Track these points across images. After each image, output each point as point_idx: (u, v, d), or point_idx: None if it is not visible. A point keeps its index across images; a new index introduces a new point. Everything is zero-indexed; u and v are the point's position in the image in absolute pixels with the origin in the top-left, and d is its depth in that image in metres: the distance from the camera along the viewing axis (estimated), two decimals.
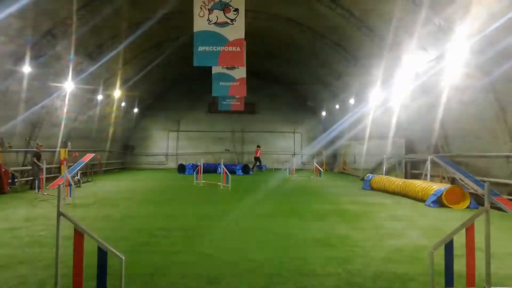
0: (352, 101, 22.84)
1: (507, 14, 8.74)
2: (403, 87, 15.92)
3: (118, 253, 3.71)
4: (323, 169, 23.73)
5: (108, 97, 21.82)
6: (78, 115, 19.84)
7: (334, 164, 29.83)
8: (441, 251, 3.84)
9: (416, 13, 12.05)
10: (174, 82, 30.53)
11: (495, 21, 9.22)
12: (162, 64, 22.45)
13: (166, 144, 31.84)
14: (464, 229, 3.88)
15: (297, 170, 26.33)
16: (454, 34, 11.26)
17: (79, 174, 16.26)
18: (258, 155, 28.05)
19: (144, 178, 21.58)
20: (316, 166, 22.71)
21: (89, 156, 17.41)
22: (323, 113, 30.33)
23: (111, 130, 25.18)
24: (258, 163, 28.10)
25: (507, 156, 11.33)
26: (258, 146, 28.95)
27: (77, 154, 18.45)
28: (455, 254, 3.86)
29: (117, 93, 21.98)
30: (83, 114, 20.33)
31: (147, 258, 5.64)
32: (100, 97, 20.55)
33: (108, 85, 20.90)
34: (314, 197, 13.28)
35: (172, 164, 30.70)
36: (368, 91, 19.52)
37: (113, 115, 24.27)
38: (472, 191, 11.80)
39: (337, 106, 26.53)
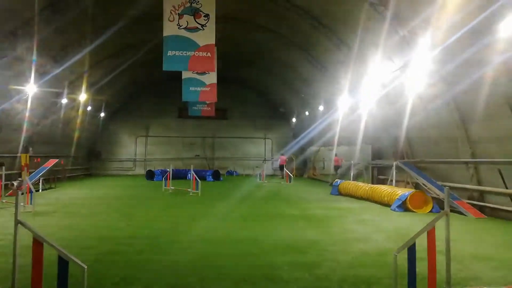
0: (321, 108, 23.26)
1: (465, 27, 9.22)
2: (370, 95, 16.39)
3: (80, 262, 3.57)
4: (293, 175, 23.94)
5: (73, 100, 21.12)
6: (41, 119, 19.05)
7: (304, 170, 30.18)
8: (405, 254, 3.96)
9: (382, 24, 12.48)
10: (143, 87, 29.98)
11: (455, 33, 9.69)
12: (130, 68, 21.99)
13: (134, 149, 31.13)
14: (426, 233, 4.01)
15: (268, 176, 26.43)
16: (418, 45, 11.73)
17: None
18: (283, 163, 26.23)
19: (110, 184, 20.97)
20: (286, 172, 22.89)
21: (52, 162, 16.74)
22: (294, 120, 30.70)
23: (76, 135, 24.33)
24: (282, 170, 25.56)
25: (466, 162, 11.87)
26: (282, 154, 27.87)
27: (39, 159, 17.69)
28: (418, 257, 3.98)
29: (82, 96, 21.31)
30: (46, 118, 19.55)
31: (112, 267, 5.47)
32: (64, 100, 19.84)
33: (73, 88, 20.23)
34: (284, 203, 13.36)
35: (140, 170, 30.04)
36: (337, 99, 19.95)
37: (78, 120, 23.50)
38: (434, 195, 12.25)
39: (307, 113, 26.94)
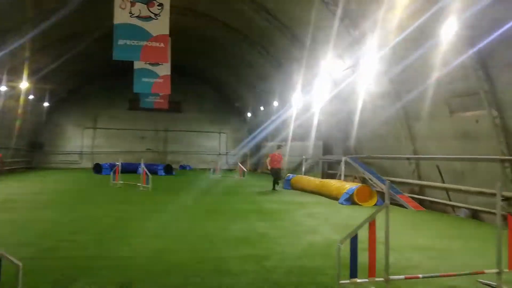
0: (275, 103, 23.55)
1: (408, 29, 9.76)
2: (322, 92, 16.85)
3: (14, 259, 3.36)
4: (247, 170, 24.08)
5: (13, 88, 19.69)
6: None
7: (258, 164, 30.44)
8: (349, 245, 4.13)
9: (334, 23, 12.84)
10: (92, 76, 28.61)
11: (400, 35, 10.22)
12: (78, 56, 20.86)
13: (80, 141, 29.70)
14: (367, 224, 4.21)
15: (222, 170, 26.35)
16: (367, 45, 12.22)
17: None
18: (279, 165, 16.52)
19: (54, 178, 19.88)
20: (240, 166, 22.97)
21: None
22: (249, 114, 30.83)
23: (16, 126, 22.74)
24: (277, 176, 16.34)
25: (408, 158, 12.59)
26: (279, 147, 18.65)
27: None
28: (361, 248, 4.17)
29: (24, 84, 19.93)
30: None
31: (52, 265, 5.19)
32: (3, 88, 18.46)
33: (13, 75, 18.86)
34: (237, 197, 13.41)
35: (87, 164, 28.71)
36: (291, 95, 20.30)
37: (19, 109, 21.97)
38: (379, 189, 12.88)
39: (262, 108, 27.16)
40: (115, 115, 30.15)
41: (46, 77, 21.39)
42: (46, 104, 25.97)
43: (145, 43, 11.55)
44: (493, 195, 7.68)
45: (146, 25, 11.55)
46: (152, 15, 11.65)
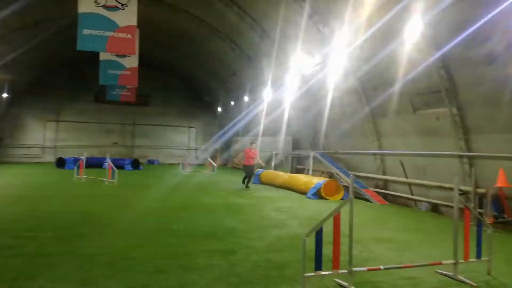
0: (246, 98, 23.50)
1: (373, 28, 10.01)
2: (292, 88, 16.99)
3: None
4: (217, 165, 23.95)
5: None
6: None
7: (228, 159, 30.37)
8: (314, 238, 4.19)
9: (304, 20, 12.95)
10: (56, 67, 27.41)
11: (366, 34, 10.46)
12: (41, 45, 19.94)
13: (43, 135, 28.47)
14: (332, 218, 4.29)
15: (191, 165, 26.08)
16: (335, 42, 12.42)
17: None
18: (252, 161, 14.64)
19: (13, 172, 18.98)
20: (209, 161, 22.81)
21: None
22: (219, 109, 30.62)
23: None
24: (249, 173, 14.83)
25: (374, 154, 12.94)
26: (252, 143, 15.31)
27: None
28: (326, 241, 4.24)
29: None
30: None
31: (8, 263, 4.96)
32: None
33: None
34: (205, 192, 13.31)
35: (50, 158, 27.60)
36: (261, 90, 20.32)
37: None
38: (346, 184, 13.17)
39: (232, 103, 27.04)
40: (80, 107, 29.07)
41: (5, 67, 20.30)
42: (5, 95, 24.67)
43: (111, 33, 11.23)
44: (452, 189, 8.04)
45: (113, 15, 11.22)
46: (119, 5, 11.32)
